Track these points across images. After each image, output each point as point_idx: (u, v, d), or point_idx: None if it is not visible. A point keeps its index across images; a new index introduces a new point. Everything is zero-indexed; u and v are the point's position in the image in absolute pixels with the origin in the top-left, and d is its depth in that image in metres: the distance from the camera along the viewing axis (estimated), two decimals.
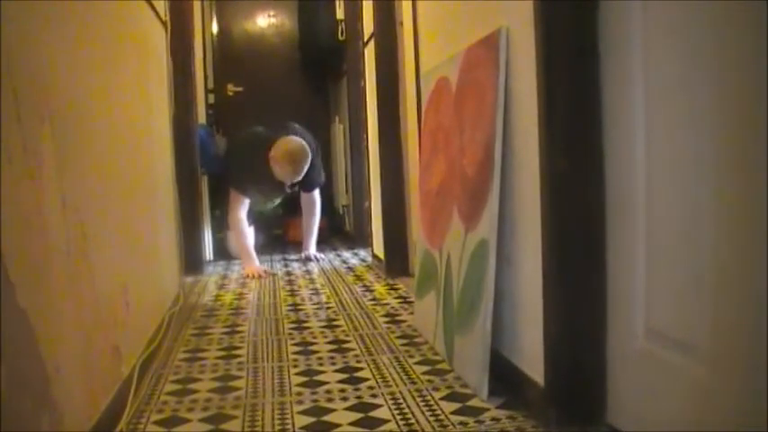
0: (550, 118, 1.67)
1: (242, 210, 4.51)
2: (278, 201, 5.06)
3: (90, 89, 1.83)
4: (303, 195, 4.83)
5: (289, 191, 4.66)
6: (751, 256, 1.15)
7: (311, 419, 1.89)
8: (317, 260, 4.87)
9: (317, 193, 4.86)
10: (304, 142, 4.44)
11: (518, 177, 1.92)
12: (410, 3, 3.36)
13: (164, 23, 3.47)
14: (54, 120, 1.45)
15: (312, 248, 4.98)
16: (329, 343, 2.67)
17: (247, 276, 4.33)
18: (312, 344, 2.66)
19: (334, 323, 2.99)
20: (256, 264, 4.48)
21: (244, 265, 4.50)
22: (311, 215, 4.92)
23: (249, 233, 4.62)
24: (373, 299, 3.47)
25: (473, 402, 1.96)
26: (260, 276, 4.29)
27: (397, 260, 3.99)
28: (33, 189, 1.32)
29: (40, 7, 1.42)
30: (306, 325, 2.97)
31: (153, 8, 3.07)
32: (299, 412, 1.94)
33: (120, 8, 2.34)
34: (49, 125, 1.41)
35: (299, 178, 4.45)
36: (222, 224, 5.06)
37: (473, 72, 2.21)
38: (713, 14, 1.21)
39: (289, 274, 4.43)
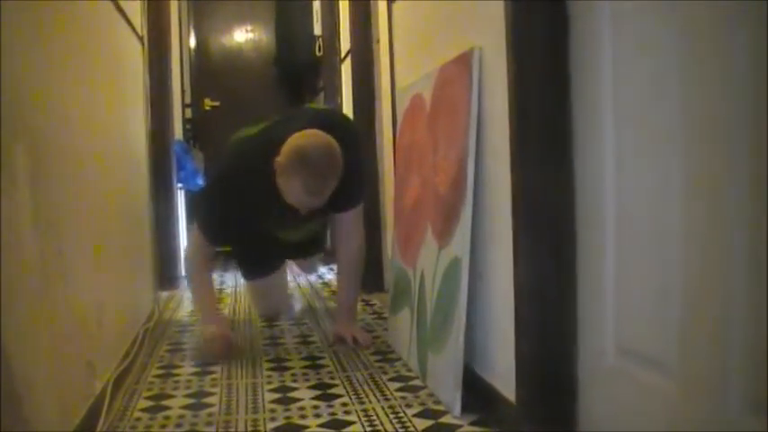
0: (522, 136, 1.69)
1: (204, 256, 2.81)
2: (309, 228, 3.15)
3: (65, 104, 1.84)
4: (335, 220, 2.87)
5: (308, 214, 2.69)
6: (718, 274, 1.17)
7: None
8: (359, 345, 2.78)
9: (357, 216, 2.82)
10: (330, 139, 2.49)
11: (490, 195, 1.94)
12: (387, 21, 3.39)
13: (140, 38, 3.47)
14: (28, 136, 1.45)
15: (351, 324, 2.88)
16: (303, 359, 2.67)
17: (206, 344, 2.74)
18: (286, 360, 2.66)
19: (309, 339, 2.99)
20: (217, 328, 2.74)
21: (202, 324, 2.90)
22: (349, 258, 2.87)
23: (211, 288, 2.93)
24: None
25: (446, 419, 1.97)
26: (221, 354, 2.67)
27: (371, 276, 3.99)
28: (7, 206, 1.32)
29: (13, 23, 1.43)
30: (280, 341, 2.97)
31: (129, 23, 3.07)
32: (272, 429, 1.94)
33: (96, 23, 2.35)
34: (22, 141, 1.41)
35: (321, 201, 2.53)
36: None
37: (447, 90, 2.23)
38: (681, 38, 1.24)
39: None
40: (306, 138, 2.46)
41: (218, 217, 2.71)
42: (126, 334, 2.65)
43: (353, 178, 2.63)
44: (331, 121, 2.69)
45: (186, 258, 2.96)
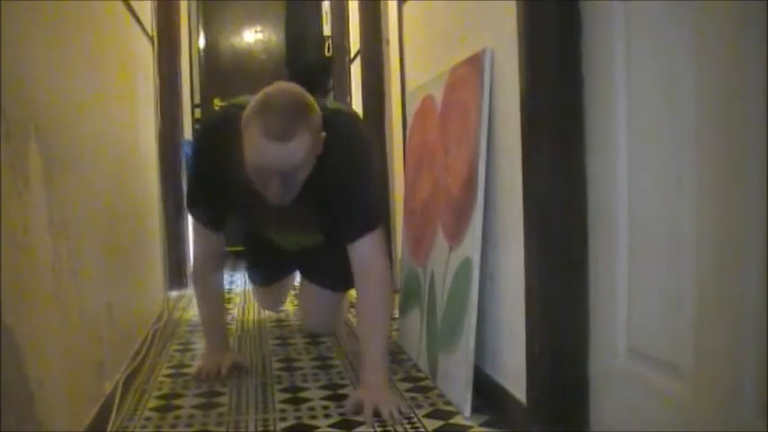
0: (534, 138, 1.69)
1: (209, 254, 2.48)
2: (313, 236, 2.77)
3: (77, 105, 1.84)
4: (351, 253, 2.24)
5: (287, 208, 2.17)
6: (732, 277, 1.17)
7: None
8: (389, 419, 2.01)
9: (374, 246, 2.23)
10: (301, 89, 2.09)
11: (502, 196, 1.94)
12: (397, 21, 3.39)
13: (150, 39, 3.48)
14: (41, 136, 1.46)
15: (381, 388, 2.13)
16: (313, 359, 2.67)
17: (199, 375, 2.45)
18: (296, 360, 2.66)
19: (319, 339, 2.99)
20: (220, 356, 2.49)
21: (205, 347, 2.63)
22: (367, 301, 2.23)
23: (217, 297, 2.60)
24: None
25: (456, 420, 1.97)
26: (216, 373, 2.43)
27: None
28: (20, 207, 1.32)
29: (25, 23, 1.43)
30: (290, 341, 2.97)
31: (140, 23, 3.08)
32: (283, 429, 1.94)
33: (107, 24, 2.35)
34: (35, 142, 1.42)
35: (287, 161, 1.96)
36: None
37: (458, 91, 2.23)
38: (695, 39, 1.23)
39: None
40: (272, 87, 2.06)
41: (198, 185, 2.39)
42: (136, 334, 2.66)
43: (357, 185, 2.21)
44: (333, 110, 2.22)
45: (194, 259, 2.58)
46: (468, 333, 2.00)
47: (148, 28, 3.39)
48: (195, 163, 2.40)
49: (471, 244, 2.01)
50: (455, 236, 2.16)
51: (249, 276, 3.33)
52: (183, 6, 5.21)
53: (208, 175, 2.30)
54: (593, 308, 1.61)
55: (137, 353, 2.54)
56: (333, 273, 2.85)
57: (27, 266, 1.35)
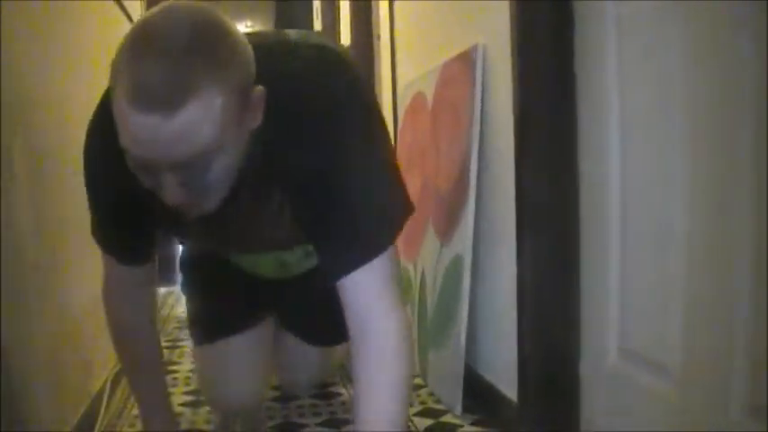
0: (526, 136, 1.68)
1: (116, 283, 1.48)
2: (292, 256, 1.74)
3: (65, 104, 1.82)
4: (342, 296, 1.20)
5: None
6: (722, 278, 1.16)
7: None
8: None
9: (382, 280, 1.21)
10: (207, 8, 1.05)
11: (493, 195, 1.93)
12: (388, 16, 3.37)
13: None
14: (27, 134, 1.44)
15: None
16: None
17: None
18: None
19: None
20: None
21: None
22: (376, 394, 1.17)
23: (140, 345, 1.54)
24: None
25: (447, 418, 1.96)
26: None
27: None
28: (5, 203, 1.31)
29: (13, 23, 1.41)
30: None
31: (131, 20, 3.05)
32: (271, 427, 1.93)
33: (98, 23, 2.33)
34: (21, 137, 1.40)
35: (182, 160, 1.01)
36: None
37: (449, 88, 2.22)
38: (686, 39, 1.23)
39: None
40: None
41: (96, 209, 1.38)
42: None
43: (343, 174, 1.19)
44: (294, 45, 1.27)
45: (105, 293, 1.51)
46: (460, 331, 1.98)
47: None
48: (86, 179, 1.35)
49: (462, 242, 2.00)
50: (446, 233, 2.15)
51: (190, 325, 1.98)
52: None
53: (106, 190, 1.33)
54: (585, 307, 1.61)
55: None
56: (327, 317, 1.48)
57: (12, 264, 1.34)
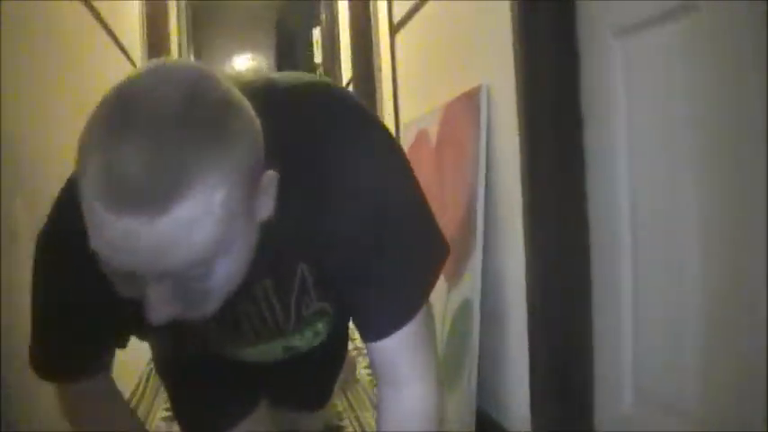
0: (534, 177, 1.66)
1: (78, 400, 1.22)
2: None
3: (64, 160, 1.80)
4: (372, 359, 1.12)
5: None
6: (737, 318, 1.15)
7: None
8: None
9: (416, 343, 1.10)
10: (196, 73, 0.81)
11: (502, 237, 1.91)
12: (389, 50, 3.37)
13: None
14: (27, 192, 1.43)
15: None
16: None
17: None
18: None
19: None
20: None
21: None
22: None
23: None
24: (355, 348, 3.43)
25: None
26: None
27: None
28: (6, 263, 1.30)
29: (15, 82, 1.40)
30: None
31: (129, 58, 3.06)
32: None
33: (106, 71, 2.33)
34: (22, 197, 1.39)
35: (170, 271, 0.79)
36: None
37: (453, 129, 2.20)
38: (694, 74, 1.22)
39: None
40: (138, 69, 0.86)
41: (46, 327, 1.13)
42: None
43: (375, 237, 1.03)
44: (297, 94, 1.08)
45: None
46: (470, 375, 1.95)
47: (137, 61, 3.36)
48: (38, 291, 1.11)
49: (471, 285, 1.98)
50: (453, 276, 2.12)
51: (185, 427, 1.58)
52: (174, 34, 5.20)
53: (64, 297, 1.06)
54: (599, 350, 1.59)
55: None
56: (325, 384, 1.69)
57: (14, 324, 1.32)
